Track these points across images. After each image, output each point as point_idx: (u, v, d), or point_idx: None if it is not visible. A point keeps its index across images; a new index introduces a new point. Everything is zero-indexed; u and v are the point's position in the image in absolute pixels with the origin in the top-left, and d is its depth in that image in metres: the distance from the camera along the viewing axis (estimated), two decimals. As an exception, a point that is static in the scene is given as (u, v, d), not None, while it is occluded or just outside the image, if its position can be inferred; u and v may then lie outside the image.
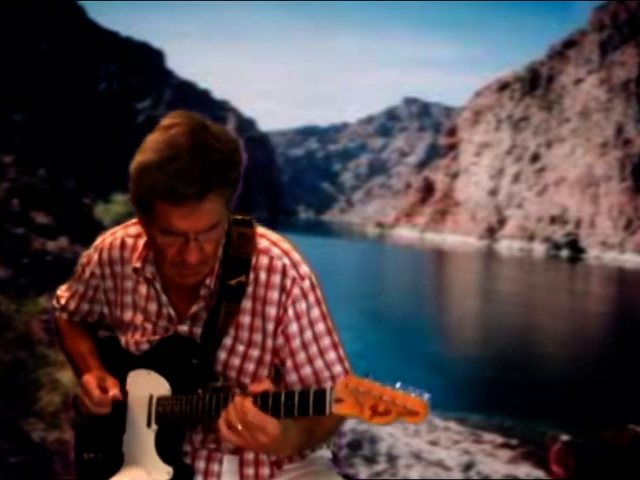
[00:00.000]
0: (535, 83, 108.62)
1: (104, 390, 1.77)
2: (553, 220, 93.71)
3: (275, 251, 1.72)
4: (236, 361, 1.71)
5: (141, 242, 1.77)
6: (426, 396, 1.44)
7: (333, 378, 1.70)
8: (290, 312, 1.69)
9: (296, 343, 1.70)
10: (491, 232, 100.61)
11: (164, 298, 1.75)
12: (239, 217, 1.76)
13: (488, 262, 76.22)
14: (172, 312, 1.74)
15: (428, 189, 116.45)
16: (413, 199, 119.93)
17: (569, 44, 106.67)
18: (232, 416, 1.55)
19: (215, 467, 1.75)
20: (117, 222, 1.91)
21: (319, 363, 1.71)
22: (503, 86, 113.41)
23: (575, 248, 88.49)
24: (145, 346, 1.77)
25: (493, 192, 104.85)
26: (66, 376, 8.61)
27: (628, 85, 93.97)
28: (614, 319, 38.05)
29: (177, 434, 1.74)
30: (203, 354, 1.70)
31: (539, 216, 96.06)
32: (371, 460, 13.45)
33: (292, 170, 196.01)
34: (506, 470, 13.47)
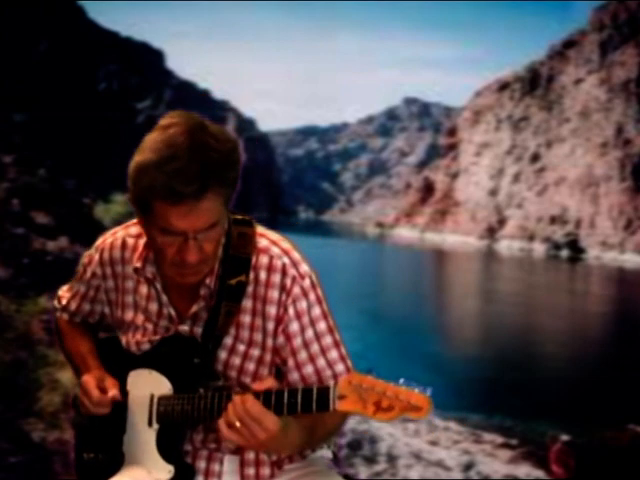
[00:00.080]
0: (535, 83, 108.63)
1: (103, 390, 1.77)
2: (553, 220, 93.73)
3: (275, 250, 1.72)
4: (237, 360, 1.71)
5: (142, 242, 1.77)
6: (429, 391, 1.45)
7: (335, 376, 1.70)
8: (291, 311, 1.69)
9: (297, 342, 1.70)
10: (491, 232, 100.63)
11: (164, 298, 1.75)
12: (239, 217, 1.76)
13: (488, 262, 76.22)
14: (173, 312, 1.74)
15: (428, 189, 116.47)
16: (413, 199, 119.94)
17: (569, 44, 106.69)
18: (231, 414, 1.55)
19: (216, 467, 1.75)
20: (117, 222, 1.92)
21: (321, 362, 1.71)
22: (503, 86, 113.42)
23: (575, 248, 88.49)
24: (146, 346, 1.77)
25: (493, 192, 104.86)
26: (66, 376, 8.62)
27: (628, 85, 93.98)
28: (614, 319, 38.05)
29: (178, 433, 1.74)
30: (204, 353, 1.70)
31: (539, 216, 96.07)
32: (371, 460, 13.45)
33: (292, 170, 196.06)
34: (506, 470, 13.47)
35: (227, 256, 1.71)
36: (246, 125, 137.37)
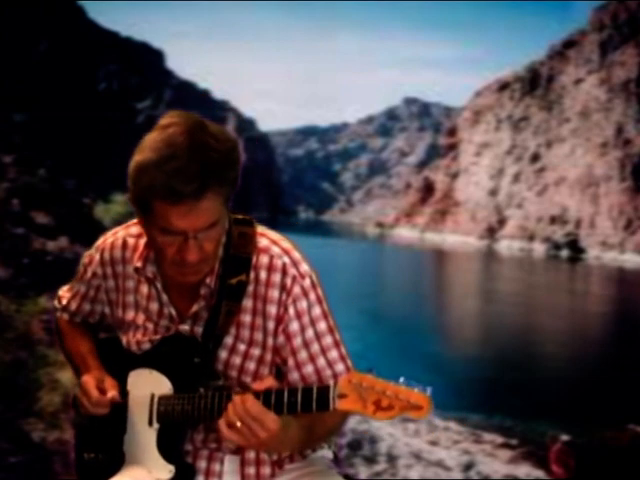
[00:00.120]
0: (535, 83, 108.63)
1: (102, 391, 1.77)
2: (553, 220, 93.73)
3: (275, 250, 1.72)
4: (237, 360, 1.71)
5: (142, 242, 1.77)
6: (429, 391, 1.45)
7: (335, 376, 1.69)
8: (291, 311, 1.69)
9: (297, 341, 1.70)
10: (491, 232, 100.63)
11: (165, 297, 1.75)
12: (239, 216, 1.77)
13: (488, 262, 76.24)
14: (173, 311, 1.75)
15: (428, 189, 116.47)
16: (413, 199, 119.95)
17: (569, 44, 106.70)
18: (231, 414, 1.55)
19: (216, 467, 1.75)
20: (117, 222, 1.92)
21: (321, 361, 1.71)
22: (503, 86, 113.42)
23: (575, 248, 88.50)
24: (147, 345, 1.77)
25: (493, 192, 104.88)
26: (66, 376, 8.62)
27: (628, 85, 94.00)
28: (614, 319, 38.06)
29: (179, 433, 1.74)
30: (204, 353, 1.70)
31: (539, 216, 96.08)
32: (371, 460, 13.46)
33: (292, 170, 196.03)
34: (506, 470, 13.47)
35: (227, 255, 1.71)
36: (246, 125, 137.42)
